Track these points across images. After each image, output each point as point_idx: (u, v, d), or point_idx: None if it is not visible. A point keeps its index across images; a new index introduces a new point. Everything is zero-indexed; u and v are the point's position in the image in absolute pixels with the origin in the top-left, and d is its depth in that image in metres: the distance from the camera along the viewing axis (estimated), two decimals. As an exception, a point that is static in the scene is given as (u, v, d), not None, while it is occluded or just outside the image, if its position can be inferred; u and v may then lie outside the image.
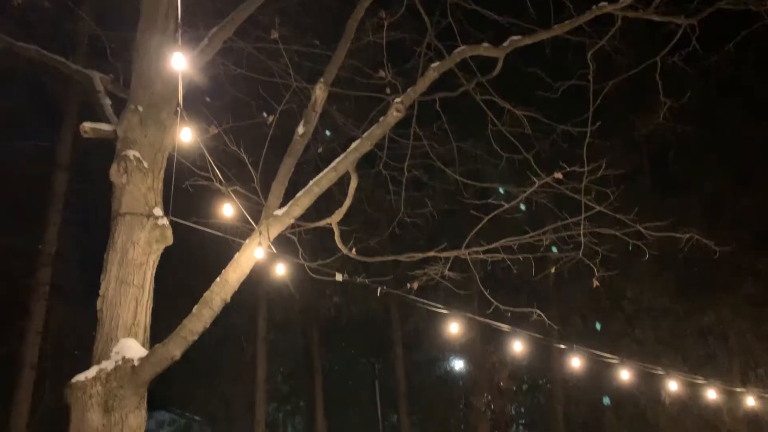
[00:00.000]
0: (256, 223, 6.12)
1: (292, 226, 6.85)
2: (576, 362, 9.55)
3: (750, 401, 11.76)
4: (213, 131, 6.66)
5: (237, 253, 6.05)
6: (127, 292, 5.81)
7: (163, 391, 20.90)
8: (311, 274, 7.50)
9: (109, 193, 6.01)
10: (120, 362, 5.57)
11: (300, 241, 7.38)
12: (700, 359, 15.17)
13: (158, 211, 5.96)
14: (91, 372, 5.60)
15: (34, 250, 13.65)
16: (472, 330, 14.60)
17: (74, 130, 13.29)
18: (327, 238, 9.13)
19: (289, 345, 21.38)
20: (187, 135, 5.81)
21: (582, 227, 6.95)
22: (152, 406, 6.13)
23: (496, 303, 8.08)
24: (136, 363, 5.57)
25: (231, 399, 20.41)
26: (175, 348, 5.60)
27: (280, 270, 7.06)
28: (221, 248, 9.59)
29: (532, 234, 7.13)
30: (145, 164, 5.93)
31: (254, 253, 5.95)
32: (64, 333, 15.16)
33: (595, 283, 8.08)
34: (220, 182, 6.22)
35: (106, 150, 6.36)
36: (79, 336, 14.32)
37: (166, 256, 6.36)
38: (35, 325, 13.01)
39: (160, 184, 6.09)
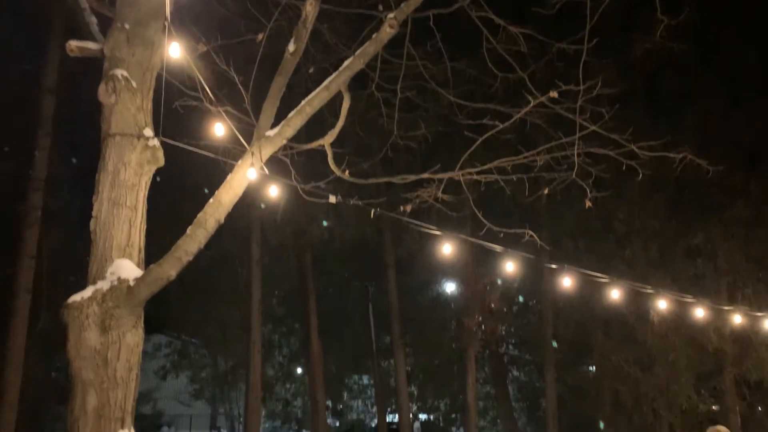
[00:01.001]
0: (248, 144, 6.05)
1: (285, 147, 6.79)
2: (567, 282, 9.69)
3: (737, 319, 12.03)
4: (202, 48, 6.52)
5: (229, 175, 6.00)
6: (119, 213, 5.79)
7: (159, 315, 21.19)
8: (304, 196, 7.47)
9: (98, 116, 5.93)
10: (115, 282, 5.60)
11: (293, 164, 7.32)
12: (690, 280, 15.42)
13: (149, 131, 5.89)
14: (87, 292, 5.63)
15: (24, 175, 13.56)
16: (464, 252, 14.71)
17: (60, 53, 12.99)
18: (319, 163, 9.08)
19: (283, 269, 21.58)
20: (175, 50, 5.69)
21: (576, 147, 6.91)
22: (148, 330, 6.19)
23: (489, 224, 8.11)
24: (131, 283, 5.60)
25: (226, 322, 20.73)
26: (170, 268, 5.62)
27: (273, 192, 7.04)
28: (212, 173, 9.56)
29: (526, 154, 7.11)
30: (134, 84, 5.83)
31: (247, 174, 5.90)
32: (58, 258, 15.23)
33: (588, 203, 8.10)
34: (211, 102, 6.13)
35: (94, 73, 6.25)
36: (73, 261, 14.39)
37: (157, 180, 6.32)
38: (28, 250, 13.05)
39: (150, 105, 5.99)
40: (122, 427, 5.64)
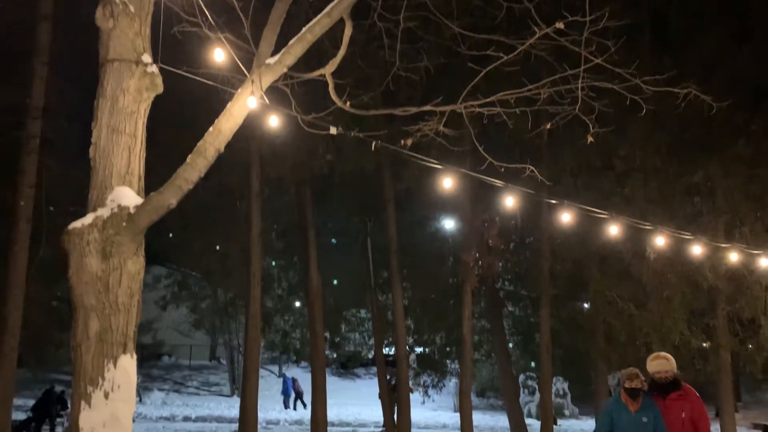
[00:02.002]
0: (248, 72, 5.98)
1: (285, 77, 6.71)
2: (566, 217, 9.72)
3: (733, 257, 12.12)
4: (201, -28, 6.36)
5: (229, 103, 5.95)
6: (119, 140, 5.76)
7: (159, 246, 21.33)
8: (304, 127, 7.42)
9: (96, 41, 5.84)
10: (116, 210, 5.60)
11: (293, 95, 7.25)
12: (687, 218, 15.46)
13: (147, 57, 5.81)
14: (88, 219, 5.64)
15: (21, 104, 13.43)
16: (463, 188, 14.71)
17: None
18: (320, 96, 8.98)
19: (283, 203, 21.62)
20: (173, -26, 5.55)
21: (581, 80, 6.83)
22: (148, 262, 6.21)
23: (490, 159, 8.08)
24: (132, 210, 5.60)
25: (226, 254, 20.89)
26: (170, 196, 5.61)
27: (273, 122, 6.98)
28: (210, 104, 9.47)
29: (530, 87, 7.02)
30: (132, 8, 5.72)
31: (247, 102, 5.85)
32: (57, 188, 15.22)
33: (590, 138, 8.06)
34: (210, 28, 6.02)
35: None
36: (72, 191, 14.38)
37: (156, 110, 6.26)
38: (28, 179, 13.03)
39: (148, 30, 5.89)
40: (124, 352, 5.73)
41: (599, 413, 8.51)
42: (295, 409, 31.63)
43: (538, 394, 25.61)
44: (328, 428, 17.76)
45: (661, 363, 7.61)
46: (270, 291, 24.18)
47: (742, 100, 13.81)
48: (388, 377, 20.51)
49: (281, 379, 33.55)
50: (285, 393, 31.96)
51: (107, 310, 5.63)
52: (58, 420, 23.54)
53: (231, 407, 31.08)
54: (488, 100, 7.02)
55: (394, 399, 19.25)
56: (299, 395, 32.06)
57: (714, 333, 16.08)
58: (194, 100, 13.89)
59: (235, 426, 19.47)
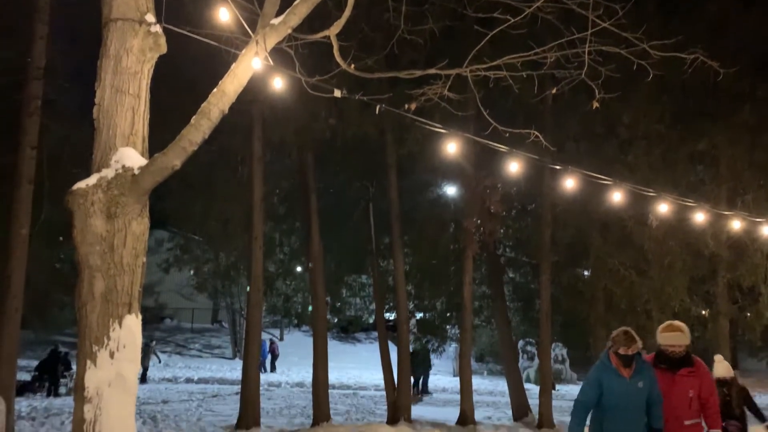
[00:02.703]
0: (252, 33, 5.92)
1: (289, 38, 6.65)
2: (569, 183, 9.72)
3: (735, 225, 12.15)
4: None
5: (234, 64, 5.91)
6: (123, 100, 5.73)
7: (161, 210, 21.35)
8: (308, 89, 7.38)
9: (98, 0, 5.79)
10: (120, 170, 5.60)
11: (297, 57, 7.19)
12: (690, 185, 15.46)
13: (150, 17, 5.76)
14: (92, 179, 5.64)
15: (22, 64, 13.33)
16: (466, 154, 14.67)
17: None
18: (324, 59, 8.91)
19: (284, 167, 21.57)
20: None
21: (587, 44, 6.77)
22: (150, 226, 6.21)
23: (494, 123, 8.05)
24: (136, 171, 5.60)
25: (228, 218, 20.89)
26: (174, 157, 5.60)
27: (277, 84, 6.94)
28: (213, 65, 9.40)
29: (536, 50, 6.96)
30: (134, -34, 5.65)
31: (251, 63, 5.81)
32: (59, 149, 15.20)
33: (595, 104, 8.02)
34: (214, -13, 5.95)
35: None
36: (75, 152, 14.36)
37: (158, 72, 6.22)
38: (30, 139, 12.98)
39: (151, -11, 5.83)
40: (129, 312, 5.77)
41: (585, 379, 7.38)
42: (273, 370, 32.52)
43: (537, 360, 25.84)
44: (329, 391, 17.94)
45: (676, 336, 6.80)
46: (272, 255, 24.22)
47: (748, 66, 13.70)
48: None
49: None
50: (261, 355, 32.65)
51: (112, 271, 5.65)
52: (62, 381, 23.87)
53: (233, 369, 31.44)
54: (494, 63, 6.97)
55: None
56: (275, 358, 33.15)
57: (714, 300, 16.17)
58: (196, 62, 13.80)
59: (237, 387, 19.67)
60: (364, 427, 12.17)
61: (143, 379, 27.23)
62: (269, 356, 32.96)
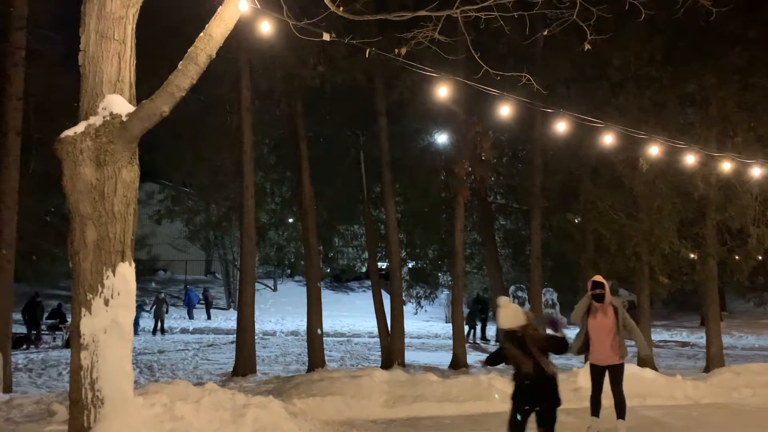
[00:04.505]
0: (239, -25, 5.81)
1: (276, -19, 6.53)
2: (561, 126, 9.70)
3: (725, 166, 12.18)
4: None
5: (220, 7, 5.82)
6: (108, 46, 5.66)
7: (151, 162, 21.19)
8: (296, 34, 7.27)
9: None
10: (108, 117, 5.56)
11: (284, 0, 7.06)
12: (680, 128, 15.42)
13: (133, -41, 5.63)
14: (80, 127, 5.60)
15: (4, 13, 13.07)
16: (457, 100, 14.58)
17: None
18: (311, 3, 8.74)
19: (274, 116, 21.37)
20: None
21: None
22: (140, 178, 6.17)
23: (485, 66, 7.99)
24: (124, 118, 5.56)
25: (218, 168, 20.78)
26: (162, 103, 5.56)
27: (265, 27, 6.84)
28: (199, 12, 9.23)
29: (527, -11, 6.87)
30: None
31: (238, 5, 5.72)
32: (47, 100, 14.99)
33: (586, 46, 7.96)
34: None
35: None
36: (62, 103, 14.16)
37: (143, 19, 6.11)
38: (15, 90, 12.82)
39: (134, -70, 5.69)
40: (123, 260, 5.79)
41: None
42: (209, 318, 33.50)
43: (528, 305, 26.15)
44: (324, 338, 18.14)
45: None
46: (263, 205, 24.19)
47: (741, 6, 13.54)
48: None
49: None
50: (188, 304, 34.01)
51: (104, 219, 5.66)
52: (58, 333, 24.05)
53: (228, 319, 31.74)
54: (485, 4, 6.88)
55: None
56: (209, 305, 34.19)
57: (703, 242, 16.30)
58: (182, 6, 13.56)
59: (233, 337, 19.89)
60: (359, 371, 12.36)
61: (162, 330, 27.60)
62: (195, 304, 34.10)
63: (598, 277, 9.18)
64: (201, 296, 34.84)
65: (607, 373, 8.79)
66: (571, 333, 8.56)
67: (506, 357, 6.56)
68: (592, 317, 8.89)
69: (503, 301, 6.43)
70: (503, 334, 6.51)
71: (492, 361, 6.84)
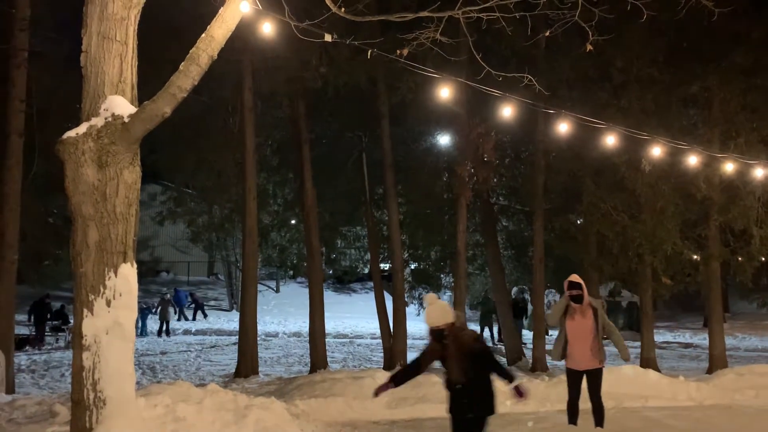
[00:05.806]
0: (241, -24, 5.81)
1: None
2: (563, 127, 9.69)
3: (728, 167, 12.16)
4: None
5: (222, 8, 5.82)
6: (110, 48, 5.66)
7: (153, 163, 21.22)
8: (298, 35, 7.27)
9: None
10: (110, 119, 5.56)
11: (286, 1, 7.06)
12: (683, 129, 15.40)
13: (135, -40, 5.64)
14: (82, 128, 5.60)
15: (6, 15, 13.09)
16: (459, 101, 14.57)
17: None
18: (313, 4, 8.74)
19: (276, 118, 21.41)
20: None
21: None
22: (142, 180, 6.17)
23: (488, 68, 7.98)
24: (126, 119, 5.56)
25: (220, 170, 20.80)
26: (164, 104, 5.56)
27: (267, 29, 6.84)
28: (200, 13, 9.24)
29: (529, -10, 6.86)
30: None
31: (239, 6, 5.72)
32: (48, 101, 15.01)
33: (589, 47, 7.95)
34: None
35: None
36: (65, 105, 14.19)
37: (145, 20, 6.11)
38: (17, 92, 12.85)
39: (135, -69, 5.70)
40: (125, 261, 5.79)
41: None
42: (194, 319, 33.26)
43: (530, 306, 26.11)
44: (326, 340, 18.14)
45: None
46: (266, 206, 24.20)
47: (744, 7, 13.52)
48: None
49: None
50: (178, 304, 33.58)
51: (105, 220, 5.66)
52: (60, 334, 24.09)
53: (230, 321, 31.74)
54: (487, 5, 6.87)
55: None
56: (200, 307, 34.08)
57: (706, 243, 16.27)
58: (184, 8, 13.57)
59: (235, 338, 19.89)
60: (362, 372, 12.35)
61: (167, 332, 27.60)
62: (185, 305, 33.80)
63: (575, 277, 8.52)
64: (190, 299, 34.50)
65: (585, 379, 8.33)
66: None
67: (419, 366, 5.99)
68: (570, 319, 8.35)
69: (430, 297, 5.91)
70: (430, 333, 5.87)
71: (397, 379, 6.10)
